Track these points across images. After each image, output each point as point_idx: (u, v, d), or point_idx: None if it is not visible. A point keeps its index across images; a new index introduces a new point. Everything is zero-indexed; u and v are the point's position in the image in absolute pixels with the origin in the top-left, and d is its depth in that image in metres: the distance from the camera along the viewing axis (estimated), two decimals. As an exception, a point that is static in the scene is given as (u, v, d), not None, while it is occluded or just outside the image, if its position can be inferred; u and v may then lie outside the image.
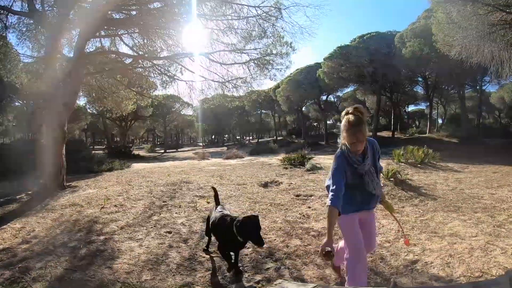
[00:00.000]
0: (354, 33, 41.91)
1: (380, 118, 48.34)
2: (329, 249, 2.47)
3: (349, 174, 2.86)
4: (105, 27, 11.01)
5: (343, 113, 2.86)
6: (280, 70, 12.28)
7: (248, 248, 4.38)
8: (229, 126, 56.27)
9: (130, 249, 4.42)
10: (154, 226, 5.42)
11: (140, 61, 12.14)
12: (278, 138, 46.35)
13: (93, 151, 22.95)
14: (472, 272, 3.65)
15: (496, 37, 11.51)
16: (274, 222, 5.77)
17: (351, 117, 2.76)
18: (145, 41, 11.48)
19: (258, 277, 3.62)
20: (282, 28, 11.09)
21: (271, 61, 11.98)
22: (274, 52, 11.81)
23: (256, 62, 11.89)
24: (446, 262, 4.06)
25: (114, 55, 12.11)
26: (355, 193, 2.93)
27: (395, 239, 4.99)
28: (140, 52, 11.67)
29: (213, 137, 67.38)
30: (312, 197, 7.60)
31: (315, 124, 56.89)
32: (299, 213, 6.33)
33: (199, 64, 11.99)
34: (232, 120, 51.30)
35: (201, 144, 61.97)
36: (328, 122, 53.90)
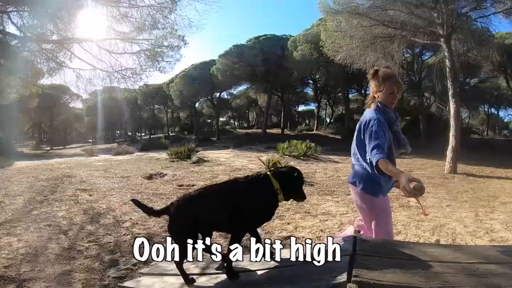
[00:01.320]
0: (254, 34, 43.00)
1: (272, 116, 50.56)
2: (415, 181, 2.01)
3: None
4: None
5: (372, 71, 2.61)
6: (170, 63, 12.09)
7: (126, 235, 4.37)
8: (121, 122, 53.23)
9: (9, 244, 4.10)
10: (34, 220, 5.11)
11: (28, 44, 10.81)
12: (171, 134, 45.07)
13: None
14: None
15: (377, 47, 12.75)
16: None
17: (387, 70, 2.59)
18: (35, 21, 10.18)
19: (134, 260, 3.47)
20: (174, 20, 10.86)
21: (161, 53, 11.69)
22: (165, 44, 11.56)
23: (146, 53, 11.43)
24: (317, 236, 4.35)
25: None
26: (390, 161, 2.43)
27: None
28: (28, 34, 10.29)
29: (103, 133, 63.17)
30: (194, 186, 7.65)
31: (208, 120, 56.88)
32: None
33: (89, 51, 11.04)
34: (124, 115, 48.59)
35: (91, 140, 57.70)
36: (221, 119, 54.60)
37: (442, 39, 11.12)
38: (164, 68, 12.11)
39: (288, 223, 4.92)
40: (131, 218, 5.16)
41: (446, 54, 11.11)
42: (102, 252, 3.84)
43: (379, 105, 2.53)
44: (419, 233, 4.50)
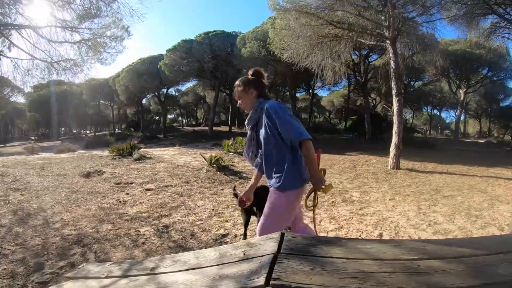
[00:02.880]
0: (204, 30, 42.18)
1: (221, 114, 50.17)
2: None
3: None
4: None
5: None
6: (112, 54, 11.68)
7: (56, 236, 4.15)
8: (66, 118, 50.33)
9: None
10: None
11: None
12: (117, 131, 43.45)
13: None
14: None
15: (324, 47, 12.79)
16: (88, 210, 5.41)
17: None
18: None
19: (61, 263, 3.35)
20: (117, 10, 10.40)
21: (103, 44, 11.22)
22: (108, 34, 11.06)
23: (88, 43, 10.90)
24: (255, 232, 4.02)
25: None
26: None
27: (208, 217, 4.87)
28: None
29: (47, 130, 59.54)
30: (133, 184, 7.36)
31: (156, 118, 55.38)
32: (116, 200, 6.08)
33: (27, 39, 10.25)
34: (69, 111, 45.87)
35: (33, 138, 54.20)
36: (169, 116, 53.39)
37: (388, 41, 11.32)
38: (106, 59, 11.75)
39: (227, 220, 4.65)
40: (62, 219, 4.81)
41: (391, 55, 11.32)
42: (28, 256, 3.62)
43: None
44: (362, 227, 4.38)
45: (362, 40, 12.69)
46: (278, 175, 2.31)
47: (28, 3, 9.72)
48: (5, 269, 3.28)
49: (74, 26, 10.35)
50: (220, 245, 3.72)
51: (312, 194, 2.46)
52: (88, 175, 8.61)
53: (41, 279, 3.01)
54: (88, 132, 55.55)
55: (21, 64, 10.76)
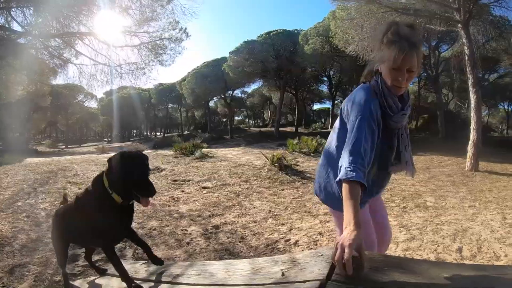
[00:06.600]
0: (265, 30, 42.28)
1: (288, 115, 49.82)
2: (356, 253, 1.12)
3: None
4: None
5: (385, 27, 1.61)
6: (171, 56, 11.94)
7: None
8: (136, 121, 53.43)
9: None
10: (15, 211, 4.94)
11: (32, 41, 10.62)
12: (185, 133, 45.07)
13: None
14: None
15: None
16: (138, 205, 5.06)
17: (405, 28, 1.53)
18: (39, 19, 9.89)
19: (96, 257, 3.15)
20: (171, 10, 10.66)
21: (162, 46, 11.56)
22: (166, 36, 11.38)
23: (148, 46, 11.26)
24: (313, 240, 3.76)
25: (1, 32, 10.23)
26: (371, 168, 1.67)
27: (263, 219, 4.54)
28: (34, 32, 10.07)
29: (119, 132, 63.78)
30: (190, 181, 7.30)
31: (224, 120, 56.52)
32: (170, 197, 6.00)
33: (91, 46, 10.91)
34: (139, 114, 48.72)
35: (106, 139, 58.27)
36: (236, 118, 54.15)
37: (459, 25, 10.26)
38: (166, 61, 11.94)
39: (283, 224, 4.31)
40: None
41: (464, 41, 10.22)
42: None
43: (378, 84, 1.63)
44: (437, 239, 3.76)
45: (431, 26, 11.55)
46: None
47: (89, 14, 10.23)
48: (41, 257, 3.35)
49: (132, 31, 10.74)
50: (271, 251, 3.40)
51: None
52: (147, 172, 8.77)
53: (71, 271, 2.99)
54: (158, 134, 58.25)
55: (85, 69, 11.46)
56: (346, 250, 1.09)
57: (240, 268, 1.48)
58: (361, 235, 1.18)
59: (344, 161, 1.45)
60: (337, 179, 1.43)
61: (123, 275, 1.73)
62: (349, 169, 1.40)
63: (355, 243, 1.12)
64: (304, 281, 1.10)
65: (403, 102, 1.65)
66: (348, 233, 1.18)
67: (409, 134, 1.75)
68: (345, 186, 1.38)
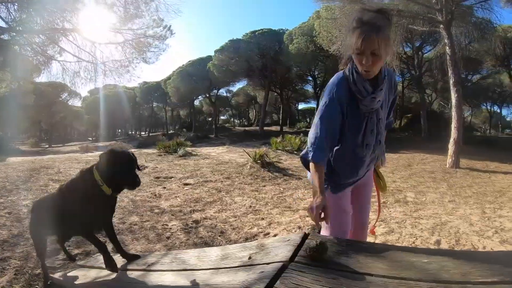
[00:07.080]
0: (250, 29, 42.24)
1: (273, 114, 49.88)
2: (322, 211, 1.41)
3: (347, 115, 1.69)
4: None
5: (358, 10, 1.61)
6: (155, 53, 11.93)
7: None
8: (121, 120, 52.84)
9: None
10: None
11: (16, 37, 10.37)
12: (170, 132, 44.73)
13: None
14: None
15: None
16: (120, 201, 5.23)
17: (368, 13, 1.51)
18: (23, 15, 9.68)
19: (77, 251, 3.36)
20: (155, 8, 10.62)
21: (146, 43, 11.50)
22: (150, 33, 11.30)
23: (131, 43, 11.18)
24: (292, 233, 3.64)
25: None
26: (345, 152, 1.76)
27: (243, 214, 4.53)
28: (18, 28, 9.85)
29: (103, 131, 63.01)
30: (172, 178, 7.25)
31: (209, 119, 56.32)
32: (151, 193, 5.94)
33: (74, 43, 10.78)
34: (123, 113, 48.15)
35: (90, 138, 57.54)
36: (222, 117, 53.96)
37: (441, 26, 10.43)
38: (150, 58, 11.91)
39: (263, 218, 4.28)
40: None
41: (446, 41, 10.41)
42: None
43: (348, 70, 1.67)
44: (416, 232, 3.78)
45: (414, 27, 11.75)
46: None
47: (74, 10, 10.09)
48: (22, 251, 3.33)
49: (117, 28, 10.63)
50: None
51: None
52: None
53: (52, 264, 2.97)
54: (143, 133, 57.78)
55: (69, 66, 11.31)
56: (314, 212, 1.40)
57: (212, 254, 1.54)
58: (325, 200, 1.46)
59: (308, 141, 1.69)
60: (300, 155, 1.77)
61: (108, 260, 1.91)
62: (309, 149, 1.65)
63: (321, 205, 1.42)
64: (268, 263, 1.10)
65: (376, 86, 1.65)
66: (315, 199, 1.48)
67: (382, 118, 1.74)
68: (310, 164, 1.63)
